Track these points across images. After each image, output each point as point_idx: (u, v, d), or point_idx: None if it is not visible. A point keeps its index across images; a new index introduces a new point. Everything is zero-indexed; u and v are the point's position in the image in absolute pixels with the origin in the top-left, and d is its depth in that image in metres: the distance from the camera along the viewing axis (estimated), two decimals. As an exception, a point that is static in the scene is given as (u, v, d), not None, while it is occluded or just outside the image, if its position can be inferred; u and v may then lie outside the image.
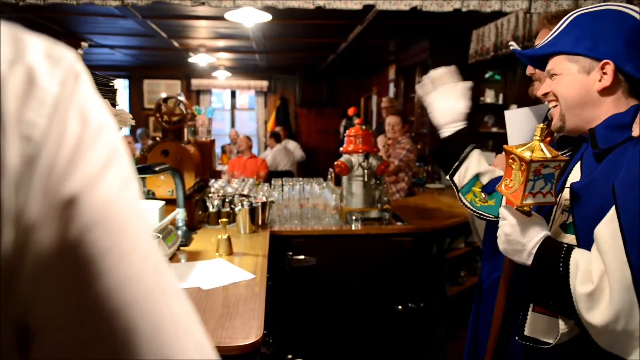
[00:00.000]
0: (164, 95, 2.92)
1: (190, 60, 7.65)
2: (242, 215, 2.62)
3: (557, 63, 1.16)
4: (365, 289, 2.88)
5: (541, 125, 1.11)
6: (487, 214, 1.44)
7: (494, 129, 5.87)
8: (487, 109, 5.98)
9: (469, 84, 1.53)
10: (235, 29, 5.37)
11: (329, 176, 3.37)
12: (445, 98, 1.52)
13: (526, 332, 1.14)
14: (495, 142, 5.78)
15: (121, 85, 9.49)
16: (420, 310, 2.90)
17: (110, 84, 1.82)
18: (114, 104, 1.82)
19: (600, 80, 1.10)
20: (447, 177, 1.51)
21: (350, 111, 6.48)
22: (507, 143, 1.40)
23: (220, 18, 4.65)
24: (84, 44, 6.13)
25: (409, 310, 2.88)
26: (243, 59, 8.49)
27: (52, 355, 0.31)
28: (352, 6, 3.09)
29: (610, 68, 1.08)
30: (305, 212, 3.03)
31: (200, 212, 2.79)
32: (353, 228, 2.89)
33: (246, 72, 9.70)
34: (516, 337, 1.16)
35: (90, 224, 0.31)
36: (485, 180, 1.46)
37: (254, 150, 7.49)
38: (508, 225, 1.11)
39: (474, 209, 1.46)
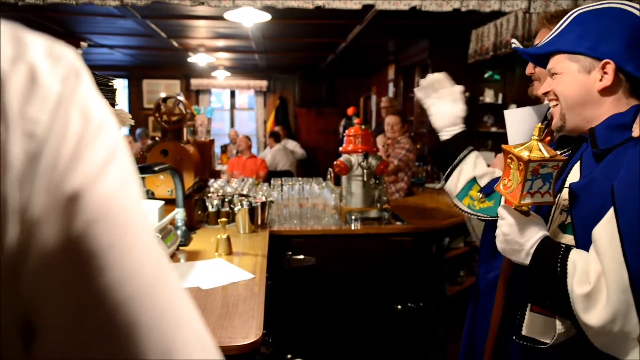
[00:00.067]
0: (163, 95, 2.92)
1: (189, 60, 7.65)
2: (241, 215, 2.62)
3: (557, 62, 1.16)
4: (364, 288, 2.88)
5: (539, 124, 1.11)
6: (486, 215, 1.44)
7: (493, 129, 5.88)
8: (486, 109, 5.98)
9: (461, 88, 1.57)
10: (235, 28, 5.37)
11: (329, 176, 3.37)
12: (443, 102, 1.55)
13: (524, 332, 1.14)
14: (495, 142, 5.79)
15: (120, 85, 9.49)
16: (419, 310, 2.90)
17: (110, 83, 1.82)
18: (113, 104, 1.82)
19: (600, 80, 1.10)
20: (443, 179, 1.53)
21: (350, 111, 6.49)
22: (506, 143, 1.40)
23: (219, 18, 4.65)
24: (83, 44, 6.13)
25: (408, 310, 2.89)
26: (242, 59, 8.49)
27: (56, 351, 0.32)
28: (351, 6, 3.09)
29: (610, 68, 1.08)
30: (304, 211, 3.03)
31: (199, 212, 2.79)
32: (352, 228, 2.89)
33: (245, 72, 9.70)
34: (514, 337, 1.16)
35: (92, 219, 0.31)
36: (483, 182, 1.46)
37: (253, 150, 7.49)
38: (506, 225, 1.11)
39: (472, 213, 1.46)
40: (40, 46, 0.32)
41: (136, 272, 0.33)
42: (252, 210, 2.66)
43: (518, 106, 1.91)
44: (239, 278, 1.91)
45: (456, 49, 5.29)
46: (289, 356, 2.78)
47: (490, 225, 1.39)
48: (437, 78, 1.56)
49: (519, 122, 1.54)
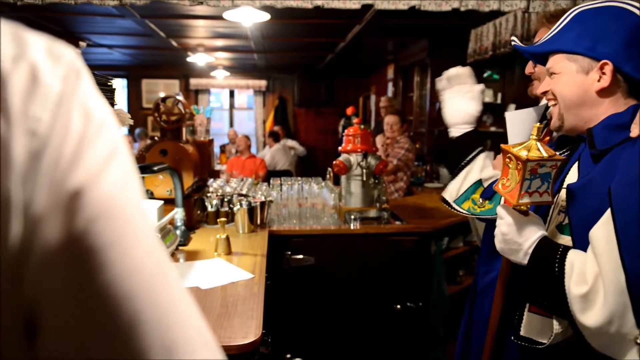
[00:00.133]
0: (162, 94, 2.91)
1: (188, 59, 7.64)
2: (240, 215, 2.62)
3: (556, 61, 1.15)
4: (363, 288, 2.88)
5: (538, 124, 1.11)
6: (488, 217, 1.44)
7: (492, 128, 5.88)
8: (485, 109, 5.95)
9: (482, 87, 1.55)
10: (234, 28, 5.36)
11: (328, 175, 3.37)
12: (460, 98, 1.53)
13: (522, 333, 1.14)
14: (494, 142, 5.78)
15: (119, 85, 9.48)
16: (418, 310, 2.90)
17: (109, 83, 1.82)
18: (112, 104, 1.82)
19: (598, 81, 1.09)
20: (450, 177, 1.52)
21: (349, 110, 6.49)
22: (505, 143, 1.40)
23: (218, 17, 4.64)
24: (82, 44, 6.12)
25: (408, 310, 2.89)
26: (241, 59, 8.49)
27: (58, 349, 0.32)
28: (350, 6, 3.09)
29: (608, 69, 1.07)
30: (303, 211, 3.03)
31: (198, 212, 2.79)
32: (352, 227, 2.89)
33: (245, 72, 9.69)
34: (512, 337, 1.16)
35: (94, 217, 0.32)
36: (487, 184, 1.46)
37: (253, 150, 7.48)
38: (505, 225, 1.11)
39: (473, 215, 1.46)
40: (40, 45, 0.33)
41: (137, 270, 0.33)
42: (251, 210, 2.66)
43: (517, 106, 1.91)
44: (238, 278, 1.91)
45: (455, 48, 5.28)
46: (288, 356, 2.78)
47: (491, 225, 1.39)
48: (460, 72, 1.54)
49: (519, 124, 1.54)
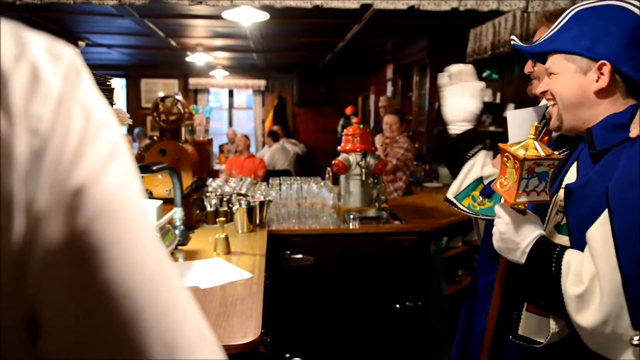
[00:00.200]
0: (161, 94, 2.91)
1: (187, 59, 7.64)
2: (239, 215, 2.62)
3: (555, 61, 1.15)
4: (363, 287, 2.88)
5: (535, 123, 1.10)
6: (487, 216, 1.44)
7: (492, 128, 5.88)
8: (484, 108, 5.93)
9: (483, 84, 1.54)
10: (233, 28, 5.36)
11: (327, 175, 3.37)
12: (460, 95, 1.52)
13: (520, 332, 1.14)
14: (493, 141, 5.76)
15: (118, 85, 9.48)
16: (418, 309, 2.91)
17: (108, 83, 1.82)
18: (111, 103, 1.82)
19: (597, 81, 1.08)
20: (450, 175, 1.52)
21: (348, 110, 6.49)
22: (505, 142, 1.40)
23: (217, 17, 4.64)
24: (82, 43, 6.12)
25: (407, 309, 2.89)
26: (241, 58, 8.48)
27: (60, 347, 0.32)
28: (349, 5, 3.09)
29: (606, 69, 1.06)
30: (303, 211, 3.03)
31: (197, 212, 2.79)
32: (351, 227, 2.89)
33: (244, 71, 9.69)
34: (510, 337, 1.16)
35: (95, 215, 0.32)
36: (487, 182, 1.46)
37: (252, 149, 7.48)
38: (503, 224, 1.11)
39: (472, 213, 1.46)
40: (41, 45, 0.33)
41: (138, 268, 0.33)
42: (250, 210, 2.66)
43: (516, 106, 1.91)
44: (238, 277, 1.91)
45: (454, 48, 5.28)
46: (288, 355, 2.78)
47: (491, 225, 1.39)
48: (462, 69, 1.53)
49: (520, 123, 1.54)
